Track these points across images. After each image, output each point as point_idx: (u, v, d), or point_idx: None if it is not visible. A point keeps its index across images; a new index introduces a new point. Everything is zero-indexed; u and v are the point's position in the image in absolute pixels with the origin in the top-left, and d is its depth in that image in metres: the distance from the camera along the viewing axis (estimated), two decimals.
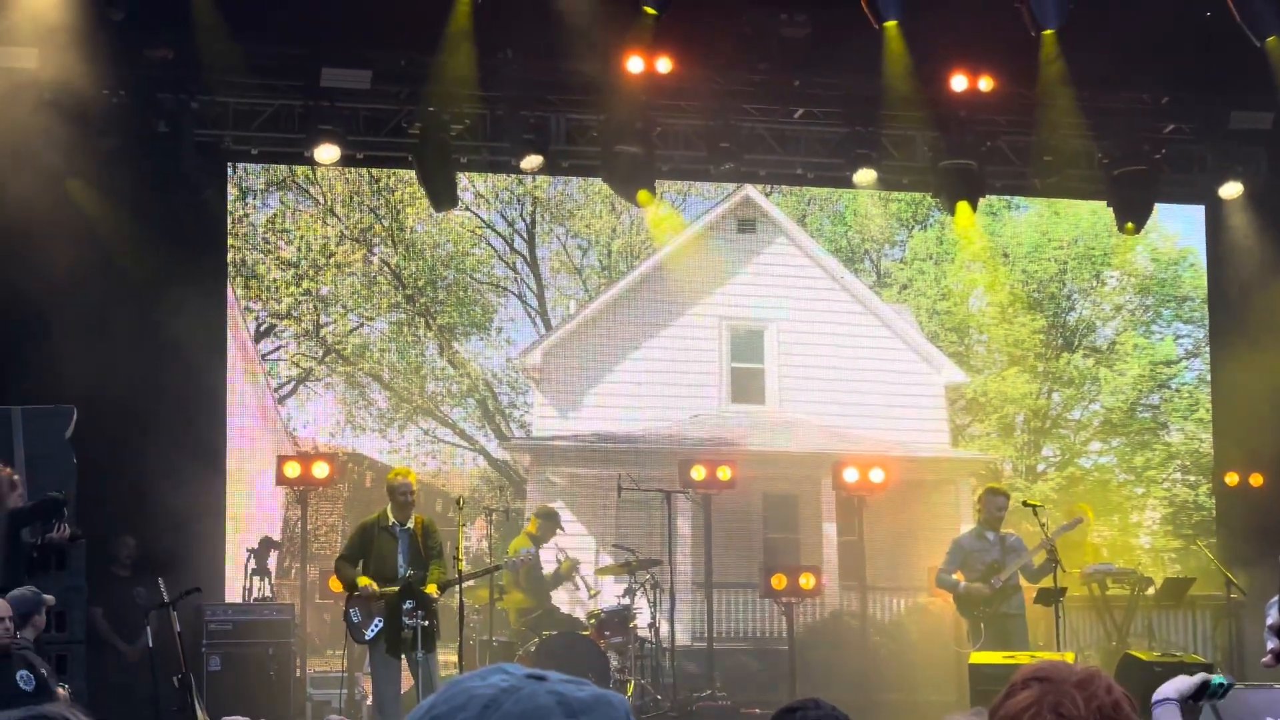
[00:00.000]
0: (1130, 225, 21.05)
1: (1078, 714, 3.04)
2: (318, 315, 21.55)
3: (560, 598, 19.74)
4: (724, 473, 19.69)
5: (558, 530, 19.74)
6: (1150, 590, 19.36)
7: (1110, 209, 21.33)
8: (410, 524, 16.29)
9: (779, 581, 19.28)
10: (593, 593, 19.44)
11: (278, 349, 21.51)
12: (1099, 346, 23.72)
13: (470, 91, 18.98)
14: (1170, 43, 18.90)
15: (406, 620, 15.75)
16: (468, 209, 21.78)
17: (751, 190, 22.68)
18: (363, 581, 16.08)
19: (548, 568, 19.48)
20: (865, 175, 20.25)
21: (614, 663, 17.80)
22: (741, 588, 22.01)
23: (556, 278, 22.78)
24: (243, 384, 20.61)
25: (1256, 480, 20.73)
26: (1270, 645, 2.37)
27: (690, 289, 22.72)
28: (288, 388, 21.49)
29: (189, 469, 18.25)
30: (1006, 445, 23.58)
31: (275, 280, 21.27)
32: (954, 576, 17.69)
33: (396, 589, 15.89)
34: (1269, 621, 2.38)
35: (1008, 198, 23.17)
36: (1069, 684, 3.10)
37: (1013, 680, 3.16)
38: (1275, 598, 2.35)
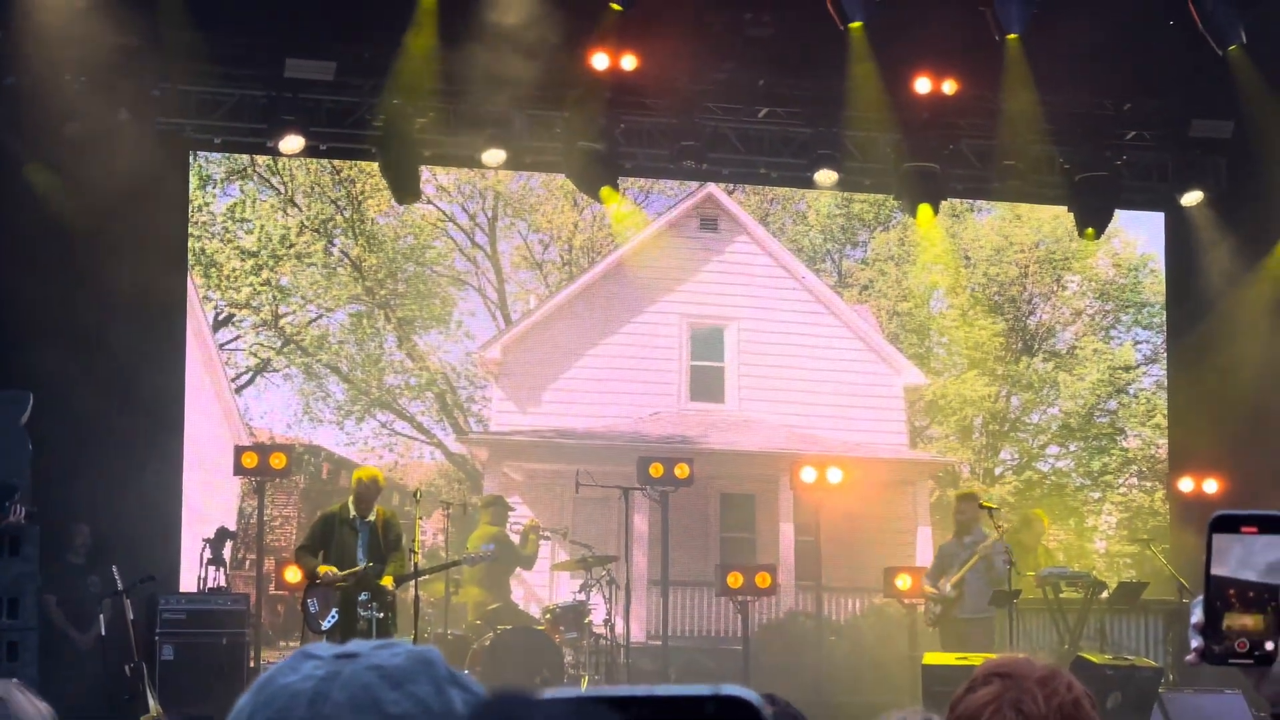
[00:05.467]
0: (1091, 231, 21.11)
1: (1038, 711, 3.05)
2: (277, 306, 21.50)
3: (517, 594, 19.73)
4: (682, 470, 19.68)
5: (510, 511, 19.79)
6: (1104, 594, 19.43)
7: (1071, 214, 21.40)
8: (371, 517, 16.34)
9: (735, 580, 19.27)
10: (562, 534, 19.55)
11: (236, 339, 21.44)
12: (1058, 351, 23.80)
13: (434, 85, 18.96)
14: (1132, 50, 18.97)
15: (362, 612, 15.79)
16: (429, 202, 21.73)
17: (714, 188, 22.69)
18: (322, 569, 16.09)
19: (516, 540, 19.48)
20: (826, 176, 20.27)
21: (568, 658, 17.80)
22: (697, 586, 22.02)
23: (517, 272, 22.75)
24: (200, 373, 20.54)
25: (1211, 486, 20.80)
26: (1194, 644, 2.41)
27: (652, 286, 22.73)
28: (245, 378, 21.43)
29: (145, 457, 18.20)
30: (964, 448, 23.63)
31: (234, 270, 21.21)
32: (932, 585, 17.90)
33: (352, 575, 15.95)
34: (1193, 620, 2.42)
35: (969, 201, 23.22)
36: (1030, 680, 3.10)
37: (974, 675, 3.16)
38: (1199, 597, 2.39)
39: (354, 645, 2.07)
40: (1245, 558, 2.80)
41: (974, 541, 17.75)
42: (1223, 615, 2.81)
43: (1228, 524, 2.82)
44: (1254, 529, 2.81)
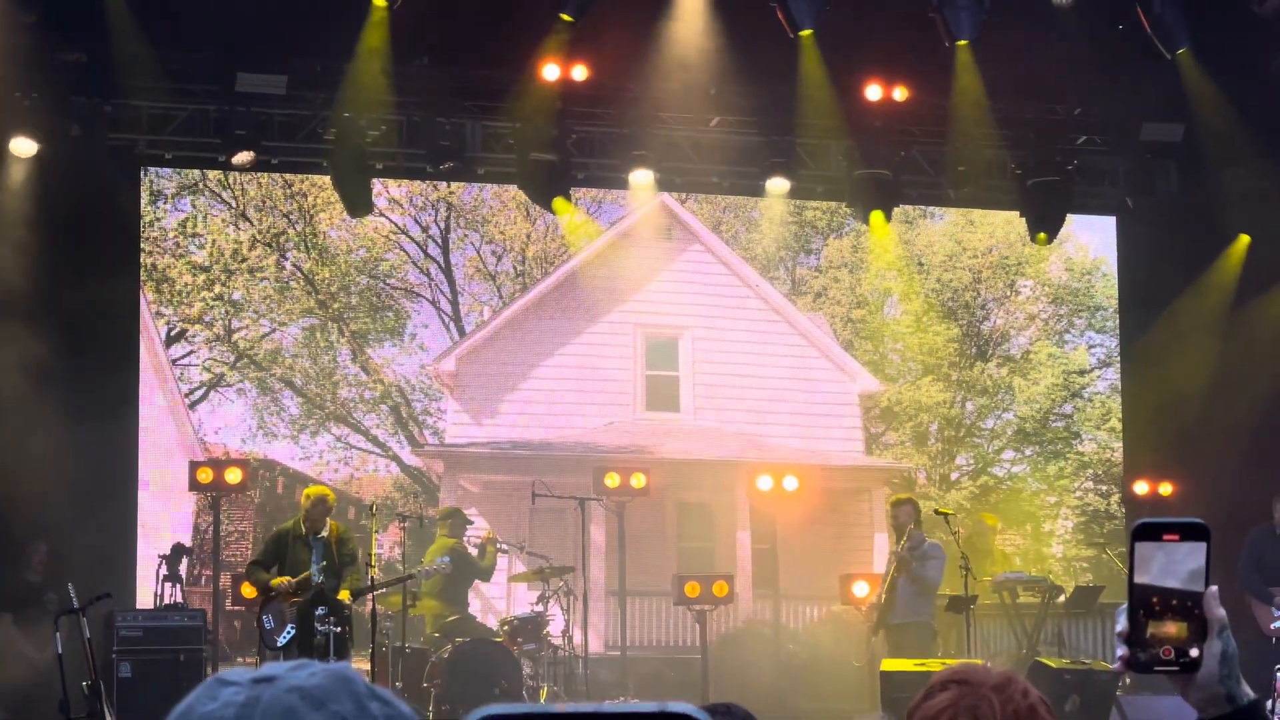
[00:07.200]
0: (1043, 235, 21.19)
1: (994, 717, 3.06)
2: (229, 320, 21.42)
3: (474, 606, 19.69)
4: (638, 480, 19.69)
5: (468, 524, 19.75)
6: (1061, 598, 19.48)
7: (1024, 219, 21.46)
8: (325, 532, 16.31)
9: (693, 589, 19.26)
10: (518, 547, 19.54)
11: (189, 354, 21.35)
12: (1013, 355, 23.83)
13: (386, 98, 18.95)
14: (1082, 54, 19.04)
15: (319, 627, 15.75)
16: (382, 214, 21.69)
17: (667, 197, 22.68)
18: (276, 581, 16.06)
19: (473, 552, 19.45)
20: (779, 184, 20.33)
21: (527, 670, 17.78)
22: (655, 596, 21.97)
23: (470, 284, 22.70)
24: (154, 389, 20.47)
25: (1166, 489, 20.86)
26: (1120, 652, 2.43)
27: (605, 296, 22.70)
28: (199, 393, 21.34)
29: (101, 474, 18.12)
30: (920, 454, 23.65)
31: (187, 285, 21.13)
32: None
33: (309, 594, 15.91)
34: (1118, 629, 2.43)
35: (922, 207, 23.26)
36: (986, 687, 3.11)
37: (930, 682, 3.17)
38: (1123, 605, 2.42)
39: (269, 669, 2.07)
40: (1168, 565, 2.82)
41: (914, 546, 17.78)
42: (1147, 623, 2.83)
43: (1150, 532, 2.84)
44: (1176, 536, 2.83)
